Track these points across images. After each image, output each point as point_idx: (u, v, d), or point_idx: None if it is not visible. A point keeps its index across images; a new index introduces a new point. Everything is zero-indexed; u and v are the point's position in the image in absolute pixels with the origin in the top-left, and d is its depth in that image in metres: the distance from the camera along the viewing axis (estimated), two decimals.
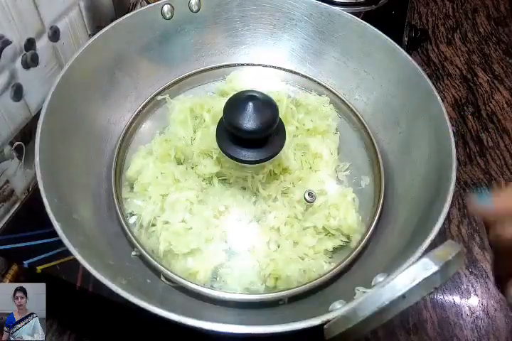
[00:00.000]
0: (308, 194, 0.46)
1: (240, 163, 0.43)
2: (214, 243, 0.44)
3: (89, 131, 0.49)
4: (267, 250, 0.45)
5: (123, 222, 0.45)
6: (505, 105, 0.90)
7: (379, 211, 0.47)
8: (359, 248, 0.45)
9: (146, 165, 0.48)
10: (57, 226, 0.36)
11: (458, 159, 0.78)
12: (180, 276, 0.42)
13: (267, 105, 0.40)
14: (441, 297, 0.64)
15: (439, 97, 0.46)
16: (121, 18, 0.51)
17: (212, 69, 0.58)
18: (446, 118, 0.45)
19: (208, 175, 0.48)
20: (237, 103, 0.40)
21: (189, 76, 0.57)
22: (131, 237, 0.44)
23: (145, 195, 0.47)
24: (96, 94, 0.50)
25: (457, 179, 0.78)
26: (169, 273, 0.42)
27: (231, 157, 0.43)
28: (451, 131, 0.44)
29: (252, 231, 0.46)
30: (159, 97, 0.55)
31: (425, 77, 0.48)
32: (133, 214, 0.47)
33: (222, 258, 0.44)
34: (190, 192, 0.46)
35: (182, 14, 0.55)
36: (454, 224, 0.71)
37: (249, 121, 0.39)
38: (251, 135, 0.40)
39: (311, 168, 0.50)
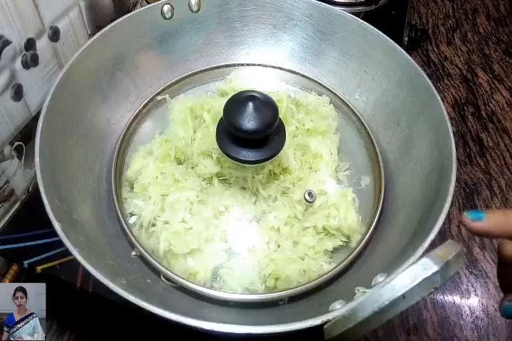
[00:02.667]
0: (308, 194, 0.46)
1: (239, 163, 0.43)
2: (214, 243, 0.44)
3: (89, 131, 0.49)
4: (267, 250, 0.45)
5: (123, 221, 0.45)
6: (505, 105, 0.90)
7: (379, 211, 0.47)
8: (359, 248, 0.44)
9: (146, 165, 0.48)
10: (57, 226, 0.36)
11: (458, 159, 0.78)
12: (180, 276, 0.42)
13: (267, 105, 0.40)
14: (442, 297, 0.64)
15: (439, 97, 0.46)
16: (121, 18, 0.51)
17: (212, 69, 0.58)
18: (447, 118, 0.45)
19: (207, 175, 0.48)
20: (237, 103, 0.40)
21: (189, 76, 0.57)
22: (131, 237, 0.44)
23: (145, 195, 0.47)
24: (96, 94, 0.50)
25: (457, 179, 0.77)
26: (169, 273, 0.42)
27: (231, 157, 0.43)
28: (451, 131, 0.44)
29: (252, 231, 0.46)
30: (159, 97, 0.55)
31: (425, 77, 0.48)
32: (133, 214, 0.47)
33: (222, 258, 0.44)
34: (190, 192, 0.46)
35: (182, 14, 0.55)
36: (454, 224, 0.71)
37: (249, 121, 0.39)
38: (251, 135, 0.40)
39: (311, 168, 0.50)
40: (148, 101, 0.54)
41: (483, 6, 1.15)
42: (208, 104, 0.52)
